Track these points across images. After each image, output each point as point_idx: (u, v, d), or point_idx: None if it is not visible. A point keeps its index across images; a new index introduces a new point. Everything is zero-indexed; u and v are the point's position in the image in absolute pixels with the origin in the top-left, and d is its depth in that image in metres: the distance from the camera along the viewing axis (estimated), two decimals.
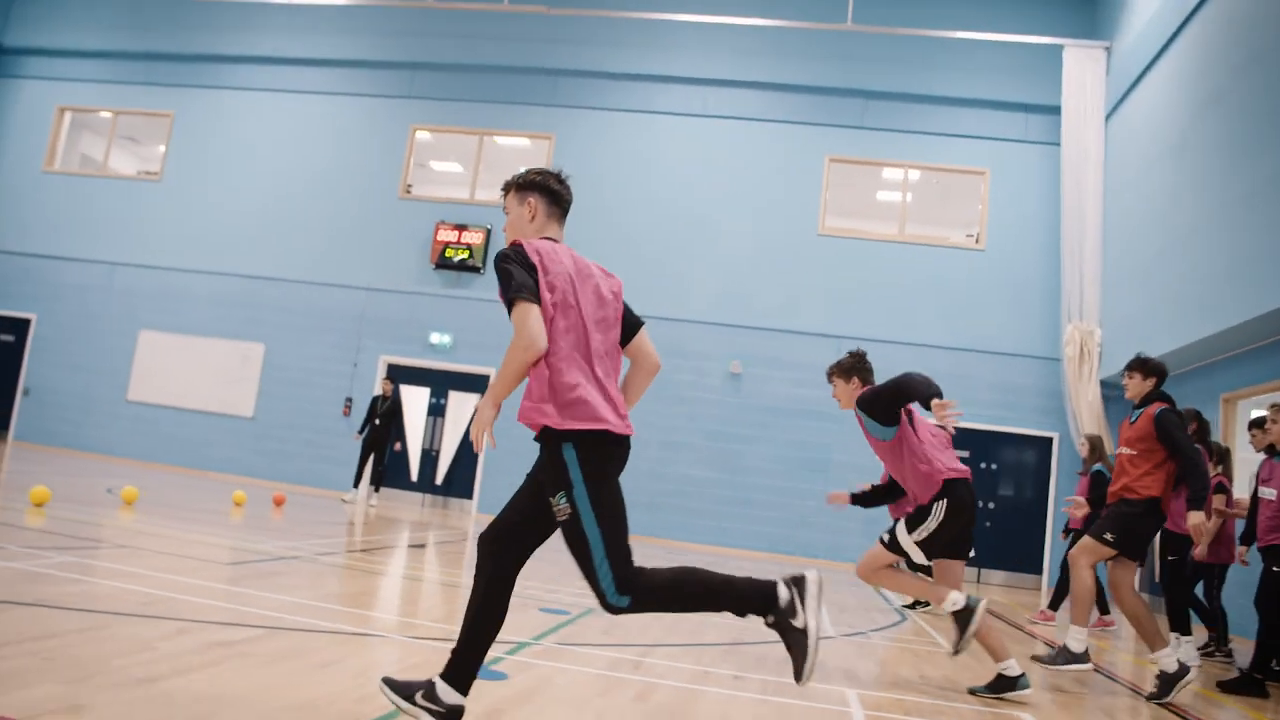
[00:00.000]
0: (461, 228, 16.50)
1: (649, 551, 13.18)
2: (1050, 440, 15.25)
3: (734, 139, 16.49)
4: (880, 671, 5.84)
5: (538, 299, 3.11)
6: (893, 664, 6.23)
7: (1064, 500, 10.57)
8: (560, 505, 3.16)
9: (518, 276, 3.12)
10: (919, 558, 5.36)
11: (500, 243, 16.49)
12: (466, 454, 16.36)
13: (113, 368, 17.66)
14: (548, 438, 3.19)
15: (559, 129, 16.89)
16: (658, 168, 16.57)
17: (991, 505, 15.34)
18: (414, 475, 16.59)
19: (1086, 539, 6.02)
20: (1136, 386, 6.20)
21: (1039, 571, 15.04)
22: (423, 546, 10.82)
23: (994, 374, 15.40)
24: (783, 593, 3.11)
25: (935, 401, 4.93)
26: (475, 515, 15.91)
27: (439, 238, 16.52)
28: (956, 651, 5.23)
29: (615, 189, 16.55)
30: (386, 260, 16.92)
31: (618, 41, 16.88)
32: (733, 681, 5.03)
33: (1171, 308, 11.80)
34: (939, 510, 5.23)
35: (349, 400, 16.56)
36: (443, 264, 16.49)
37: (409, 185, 17.37)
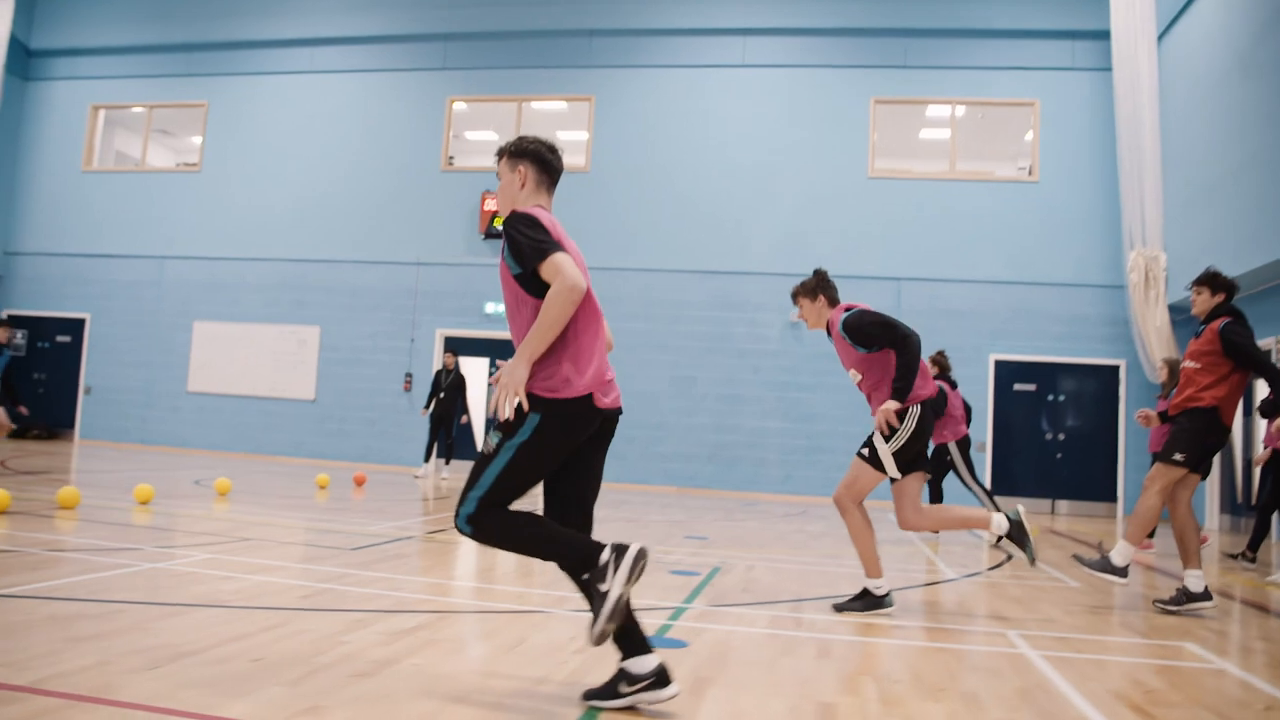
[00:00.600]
0: None
1: (726, 505, 13.22)
2: (1116, 368, 15.13)
3: (777, 87, 16.29)
4: (1025, 610, 5.83)
5: (561, 249, 3.13)
6: (1030, 601, 6.21)
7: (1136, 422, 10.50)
8: (491, 439, 3.21)
9: (537, 234, 3.15)
10: (892, 470, 5.36)
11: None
12: None
13: (171, 361, 17.78)
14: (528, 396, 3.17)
15: (599, 90, 16.72)
16: (702, 122, 16.40)
17: (1061, 436, 15.28)
18: (479, 446, 16.64)
19: (1158, 464, 6.03)
20: (1204, 302, 6.20)
21: (1113, 499, 14.98)
22: None
23: (1055, 305, 15.26)
24: (604, 556, 3.11)
25: None
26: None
27: (486, 207, 16.45)
28: (1033, 561, 5.41)
29: (660, 147, 16.42)
30: (434, 234, 16.88)
31: None
32: (896, 630, 5.04)
33: (1240, 231, 11.63)
34: (911, 417, 5.29)
35: (409, 375, 16.60)
36: (492, 233, 16.43)
37: (450, 157, 17.28)
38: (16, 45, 18.47)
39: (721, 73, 16.45)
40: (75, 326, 18.45)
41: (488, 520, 3.18)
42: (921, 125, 17.48)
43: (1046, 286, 15.30)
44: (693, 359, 15.91)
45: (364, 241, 17.07)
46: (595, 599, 3.08)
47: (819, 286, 5.64)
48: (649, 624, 4.74)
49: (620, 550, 3.10)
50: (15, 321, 18.78)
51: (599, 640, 3.08)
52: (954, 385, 10.20)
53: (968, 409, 10.29)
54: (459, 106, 17.43)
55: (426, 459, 14.85)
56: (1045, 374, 15.26)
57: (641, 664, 3.25)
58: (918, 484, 5.48)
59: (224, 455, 16.84)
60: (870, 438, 5.42)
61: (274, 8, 17.99)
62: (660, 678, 3.24)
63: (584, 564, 3.13)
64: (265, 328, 17.29)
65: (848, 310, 5.51)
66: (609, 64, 16.72)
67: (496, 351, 16.63)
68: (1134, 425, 14.87)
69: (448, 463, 15.03)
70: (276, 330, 17.27)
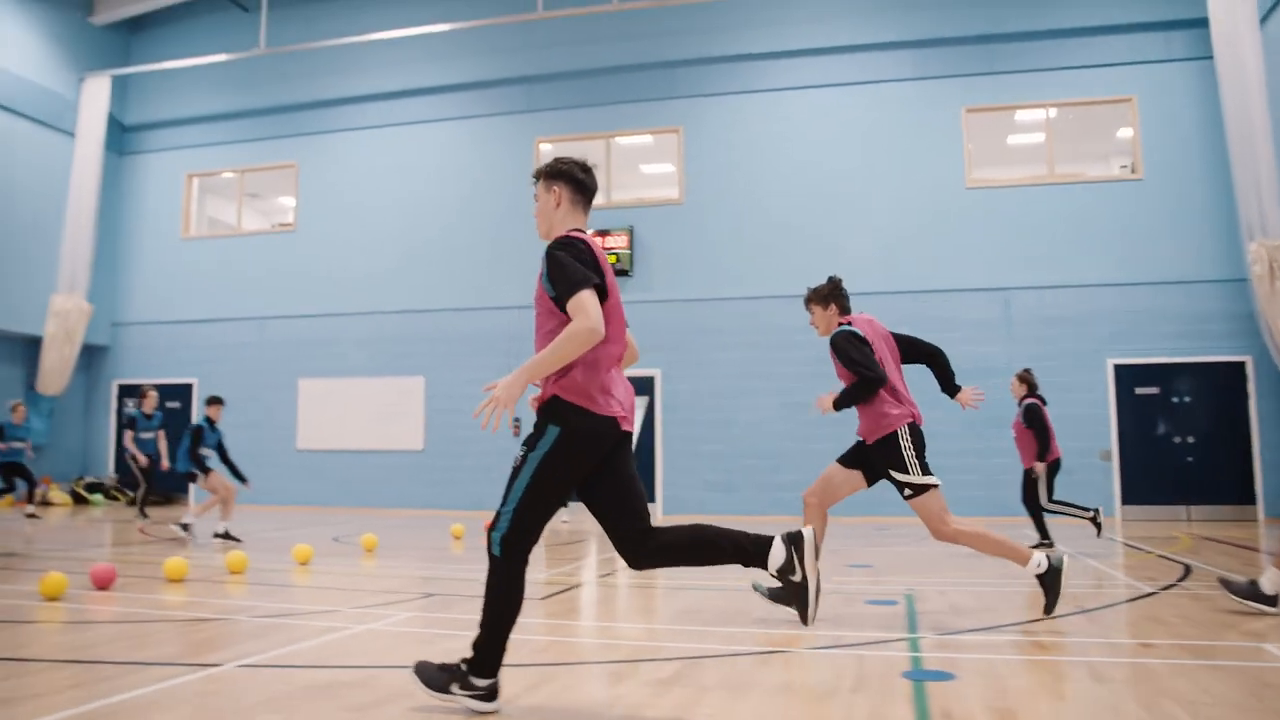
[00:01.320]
0: (604, 233, 16.45)
1: (859, 532, 12.98)
2: (1242, 364, 14.67)
3: (866, 103, 16.17)
4: (1247, 621, 5.57)
5: (597, 290, 3.31)
6: (1242, 613, 5.93)
7: None
8: (519, 453, 3.43)
9: (580, 268, 3.29)
10: (932, 479, 5.55)
11: (645, 241, 16.45)
12: (643, 461, 16.30)
13: (278, 419, 17.99)
14: (548, 410, 3.39)
15: (686, 121, 16.73)
16: (790, 145, 16.32)
17: (1190, 439, 14.83)
18: None
19: None
20: None
21: (1251, 501, 14.48)
22: None
23: (1173, 304, 14.86)
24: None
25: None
26: (660, 517, 15.87)
27: None
28: (1048, 612, 5.47)
29: (751, 172, 16.36)
30: (531, 275, 16.86)
31: (733, 24, 16.66)
32: (1140, 649, 4.83)
33: None
34: (903, 437, 5.62)
35: (517, 421, 16.61)
36: None
37: None
38: (112, 122, 18.97)
39: (806, 94, 16.38)
40: (183, 392, 18.77)
41: (508, 557, 3.40)
42: (1009, 131, 17.23)
43: (1162, 285, 14.92)
44: (802, 384, 15.71)
45: (463, 289, 17.18)
46: (460, 695, 3.47)
47: (831, 294, 5.83)
48: (887, 656, 4.61)
49: (479, 688, 3.47)
50: (126, 390, 19.18)
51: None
52: (1044, 402, 10.09)
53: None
54: (545, 147, 17.53)
55: None
56: (1167, 376, 14.85)
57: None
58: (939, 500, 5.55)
59: (335, 510, 16.94)
60: (898, 481, 5.59)
61: (355, 65, 18.28)
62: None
63: (468, 669, 3.48)
64: (369, 381, 17.45)
65: (844, 325, 5.71)
66: (694, 94, 16.73)
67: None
68: (1267, 423, 14.41)
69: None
70: (381, 383, 17.41)
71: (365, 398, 17.47)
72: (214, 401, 11.54)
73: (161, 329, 18.99)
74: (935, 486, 5.53)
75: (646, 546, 3.49)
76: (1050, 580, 5.46)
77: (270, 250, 18.62)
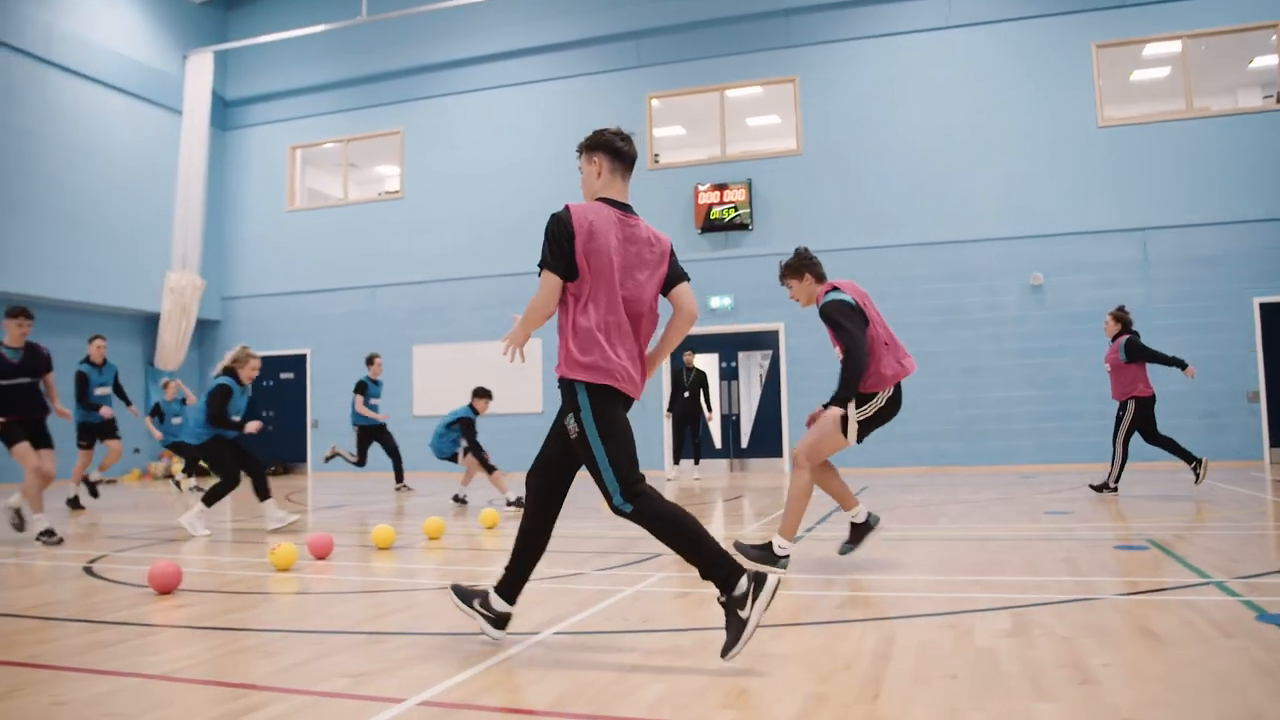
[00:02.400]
0: (722, 186, 16.17)
1: (1004, 481, 12.71)
2: None
3: (989, 43, 15.67)
4: None
5: (560, 270, 3.56)
6: None
7: None
8: (570, 426, 3.63)
9: (551, 248, 3.55)
10: (853, 438, 5.44)
11: (764, 194, 16.17)
12: (768, 416, 16.13)
13: (394, 387, 17.99)
14: (564, 384, 3.66)
15: (801, 70, 16.35)
16: (911, 90, 15.89)
17: None
18: (717, 442, 16.48)
19: None
20: None
21: None
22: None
23: None
24: (742, 584, 3.36)
25: None
26: (790, 473, 15.70)
27: (700, 201, 16.23)
28: (843, 552, 5.63)
29: (870, 120, 15.98)
30: None
31: None
32: None
33: None
34: (882, 397, 5.46)
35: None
36: (709, 226, 16.21)
37: (655, 155, 17.13)
38: (214, 97, 18.99)
39: (926, 37, 15.92)
40: (297, 363, 18.90)
41: (640, 503, 3.54)
42: (1135, 67, 16.64)
43: None
44: (930, 334, 15.42)
45: None
46: (733, 623, 3.35)
47: (802, 264, 5.70)
48: (1216, 601, 4.40)
49: (760, 580, 3.34)
50: None
51: (730, 657, 3.36)
52: (1139, 337, 9.99)
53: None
54: (657, 103, 17.24)
55: (676, 460, 14.70)
56: None
57: (500, 604, 3.80)
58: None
59: (455, 476, 16.94)
60: (845, 415, 5.42)
61: (459, 28, 18.10)
62: (500, 622, 3.81)
63: (721, 580, 3.40)
64: (484, 345, 17.39)
65: (829, 291, 5.57)
66: (809, 41, 16.33)
67: (726, 345, 16.42)
68: None
69: (696, 462, 14.84)
70: (496, 347, 17.33)
71: (481, 362, 17.40)
72: (482, 394, 11.09)
73: (271, 301, 19.09)
74: (845, 439, 5.46)
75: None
76: (859, 535, 5.64)
77: (378, 219, 18.59)
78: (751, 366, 16.65)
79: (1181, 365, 9.75)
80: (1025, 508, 9.23)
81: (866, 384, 5.42)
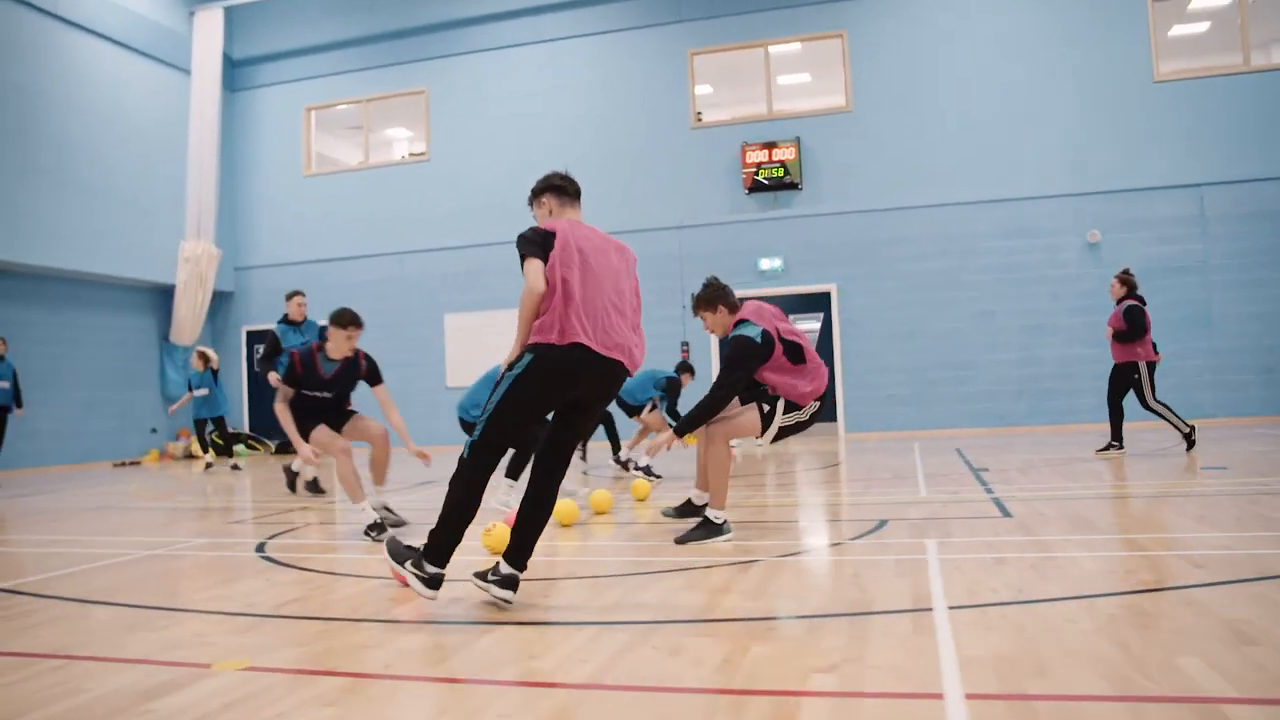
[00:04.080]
0: (770, 145, 15.75)
1: (1085, 440, 12.57)
2: None
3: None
4: None
5: (543, 257, 3.89)
6: None
7: None
8: (500, 372, 3.94)
9: (529, 239, 3.95)
10: (768, 437, 5.62)
11: (814, 152, 15.80)
12: None
13: (426, 358, 17.41)
14: (529, 345, 3.87)
15: (851, 24, 15.94)
16: (965, 44, 15.57)
17: None
18: None
19: None
20: None
21: None
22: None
23: None
24: (428, 567, 3.88)
25: None
26: (844, 435, 15.44)
27: (748, 160, 15.80)
28: (680, 542, 5.43)
29: (923, 75, 15.65)
30: (693, 194, 16.28)
31: None
32: None
33: None
34: (808, 411, 5.64)
35: (685, 344, 16.09)
36: (757, 187, 15.80)
37: (698, 113, 16.64)
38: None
39: None
40: (319, 334, 18.12)
41: (473, 461, 3.83)
42: (1174, 21, 16.50)
43: None
44: (989, 293, 15.22)
45: (617, 211, 16.48)
46: (410, 571, 3.89)
47: (715, 297, 5.81)
48: None
49: (425, 572, 3.86)
50: (255, 337, 18.54)
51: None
52: (1143, 303, 9.98)
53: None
54: (699, 60, 16.71)
55: None
56: None
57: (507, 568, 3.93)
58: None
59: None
60: (774, 398, 5.60)
61: None
62: (506, 582, 3.92)
63: (423, 553, 3.87)
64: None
65: (739, 323, 5.67)
66: None
67: (779, 307, 16.02)
68: None
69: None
70: None
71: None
72: (687, 369, 10.57)
73: (289, 270, 18.28)
74: (761, 432, 5.65)
75: (540, 488, 3.99)
76: (715, 530, 5.47)
77: (403, 182, 17.86)
78: (807, 329, 16.32)
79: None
80: (1169, 464, 9.02)
81: (799, 398, 5.56)
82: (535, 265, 3.87)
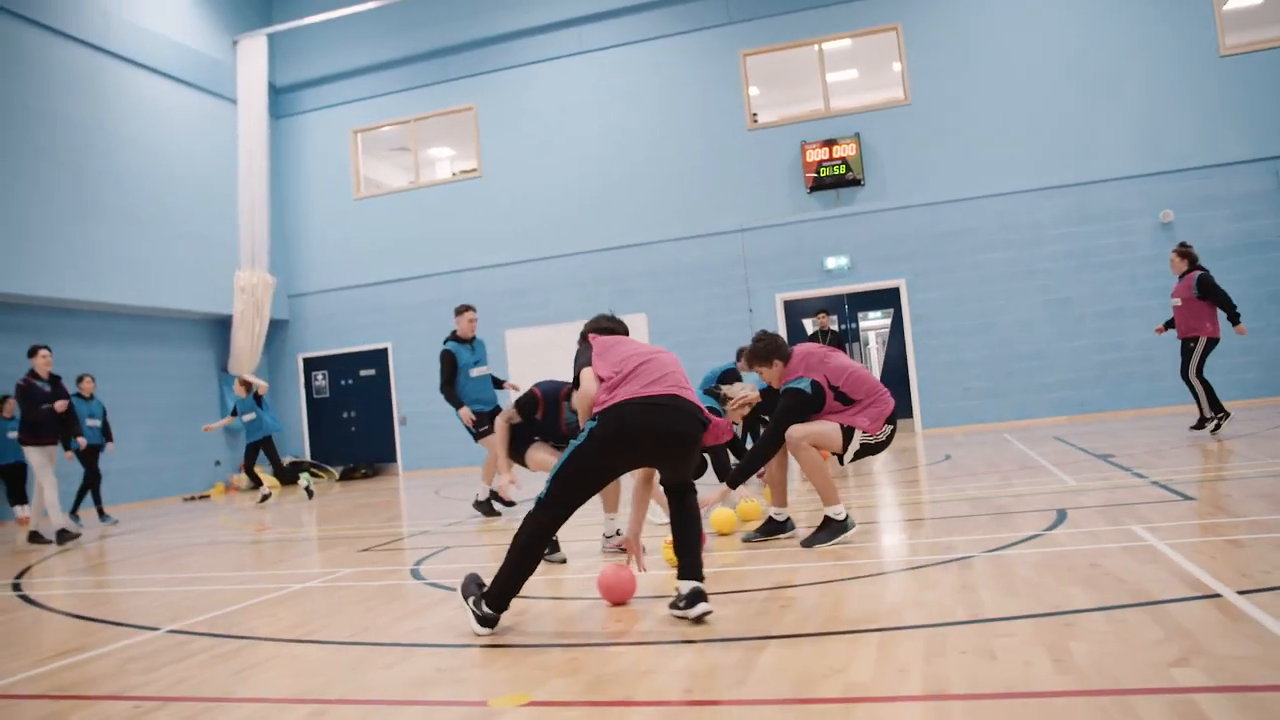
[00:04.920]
0: (830, 142, 15.53)
1: (1133, 424, 12.25)
2: None
3: None
4: None
5: (589, 364, 4.19)
6: None
7: None
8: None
9: (581, 355, 4.31)
10: (848, 458, 5.58)
11: (874, 147, 15.57)
12: (895, 374, 15.52)
13: (498, 374, 17.17)
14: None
15: (904, 17, 15.72)
16: (1020, 29, 15.32)
17: None
18: None
19: None
20: None
21: None
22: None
23: None
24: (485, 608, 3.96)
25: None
26: (921, 432, 15.17)
27: (809, 158, 15.58)
28: (807, 544, 5.38)
29: (981, 65, 15.41)
30: (753, 195, 16.07)
31: None
32: None
33: None
34: (885, 433, 5.59)
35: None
36: (819, 185, 15.57)
37: (754, 114, 16.44)
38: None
39: None
40: (378, 358, 17.99)
41: (537, 515, 3.95)
42: None
43: None
44: (1063, 280, 14.94)
45: (678, 217, 16.31)
46: (469, 607, 3.97)
47: (770, 352, 5.75)
48: None
49: (482, 610, 3.93)
50: (311, 364, 18.40)
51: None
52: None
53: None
54: (753, 61, 16.50)
55: None
56: None
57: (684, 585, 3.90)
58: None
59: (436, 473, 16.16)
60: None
61: None
62: (694, 597, 3.85)
63: (484, 594, 3.97)
64: (582, 325, 16.59)
65: (794, 381, 5.60)
66: None
67: (844, 307, 15.81)
68: None
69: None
70: None
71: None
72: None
73: (343, 295, 18.16)
74: (841, 450, 5.60)
75: (679, 508, 4.11)
76: (836, 530, 5.42)
77: (455, 200, 17.71)
78: (869, 326, 16.08)
79: (1236, 318, 9.67)
80: (1255, 447, 8.73)
81: (866, 429, 5.53)
82: (586, 374, 4.16)
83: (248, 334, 17.23)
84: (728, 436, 4.64)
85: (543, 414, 5.94)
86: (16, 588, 6.81)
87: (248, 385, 13.42)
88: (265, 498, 13.41)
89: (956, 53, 15.50)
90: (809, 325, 15.54)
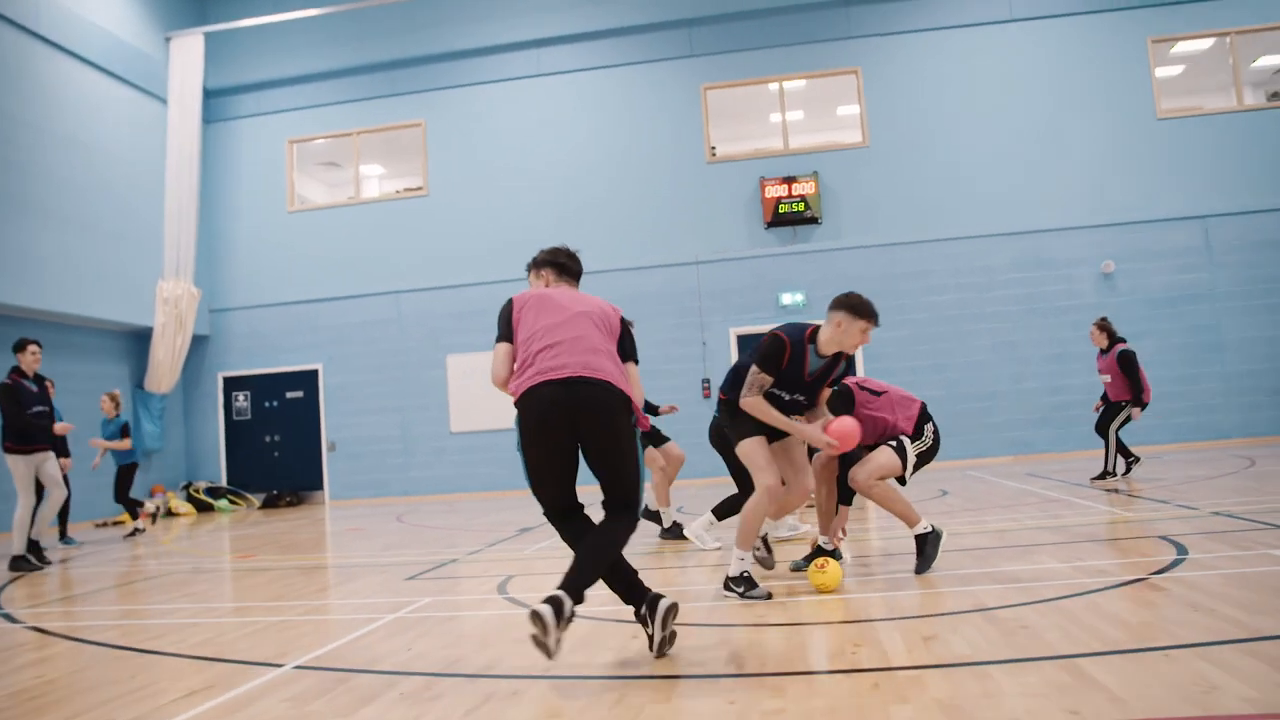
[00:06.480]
0: (790, 180, 15.64)
1: (1070, 465, 12.67)
2: None
3: (1050, 37, 15.76)
4: None
5: (506, 339, 4.01)
6: None
7: None
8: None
9: (500, 321, 4.07)
10: (909, 470, 5.52)
11: (831, 189, 15.76)
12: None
13: (426, 402, 16.56)
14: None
15: (864, 61, 16.03)
16: (979, 83, 15.81)
17: None
18: None
19: None
20: None
21: None
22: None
23: None
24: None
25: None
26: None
27: (767, 194, 15.64)
28: (919, 572, 5.33)
29: (936, 112, 15.83)
30: (711, 229, 16.01)
31: None
32: None
33: None
34: (931, 434, 5.63)
35: (706, 381, 15.73)
36: (777, 220, 15.64)
37: (713, 148, 16.42)
38: None
39: (990, 30, 15.88)
40: (306, 379, 17.08)
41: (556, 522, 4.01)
42: (1160, 63, 17.08)
43: None
44: (1012, 323, 15.38)
45: (633, 246, 16.10)
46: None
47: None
48: None
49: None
50: (233, 383, 17.38)
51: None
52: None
53: None
54: (714, 95, 16.50)
55: None
56: None
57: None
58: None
59: (502, 495, 15.68)
60: (894, 437, 5.52)
61: (486, 13, 16.86)
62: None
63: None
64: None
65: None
66: (870, 33, 16.03)
67: None
68: None
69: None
70: None
71: None
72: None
73: (270, 312, 17.21)
74: (902, 468, 5.53)
75: (575, 519, 3.98)
76: (930, 547, 5.41)
77: (398, 218, 17.05)
78: None
79: (1141, 404, 10.37)
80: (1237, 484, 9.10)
81: (908, 424, 5.55)
82: (499, 350, 4.01)
83: (168, 349, 16.13)
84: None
85: (788, 362, 4.98)
86: (12, 619, 6.03)
87: (116, 402, 12.22)
88: (135, 531, 12.15)
89: (914, 99, 15.89)
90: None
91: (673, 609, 3.71)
